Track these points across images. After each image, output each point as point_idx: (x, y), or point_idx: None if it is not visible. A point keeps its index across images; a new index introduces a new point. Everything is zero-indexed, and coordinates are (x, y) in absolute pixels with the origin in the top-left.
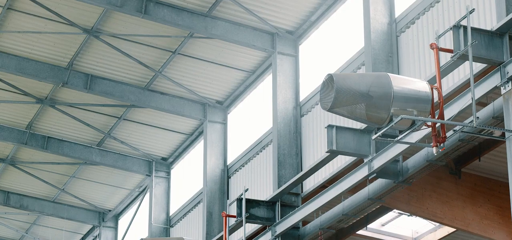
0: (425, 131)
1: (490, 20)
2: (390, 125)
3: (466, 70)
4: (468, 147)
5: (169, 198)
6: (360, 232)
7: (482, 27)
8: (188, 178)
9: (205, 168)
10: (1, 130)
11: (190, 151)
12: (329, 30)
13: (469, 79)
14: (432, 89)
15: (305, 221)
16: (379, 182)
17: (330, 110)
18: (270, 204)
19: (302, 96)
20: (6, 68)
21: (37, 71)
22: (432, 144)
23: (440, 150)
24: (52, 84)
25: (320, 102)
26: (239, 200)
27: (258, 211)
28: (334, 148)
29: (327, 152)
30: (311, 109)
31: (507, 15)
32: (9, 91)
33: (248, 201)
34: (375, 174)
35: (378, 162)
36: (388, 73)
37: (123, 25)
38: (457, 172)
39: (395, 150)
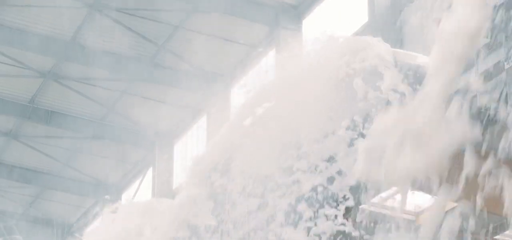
0: None
1: None
2: None
3: None
4: None
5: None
6: (362, 206)
7: None
8: None
9: None
10: (4, 104)
11: None
12: (333, 4)
13: None
14: None
15: None
16: None
17: None
18: None
19: None
20: (8, 42)
21: (39, 45)
22: None
23: None
24: (55, 58)
25: None
26: None
27: None
28: None
29: None
30: None
31: None
32: (11, 65)
33: None
34: None
35: None
36: (392, 48)
37: None
38: None
39: None
